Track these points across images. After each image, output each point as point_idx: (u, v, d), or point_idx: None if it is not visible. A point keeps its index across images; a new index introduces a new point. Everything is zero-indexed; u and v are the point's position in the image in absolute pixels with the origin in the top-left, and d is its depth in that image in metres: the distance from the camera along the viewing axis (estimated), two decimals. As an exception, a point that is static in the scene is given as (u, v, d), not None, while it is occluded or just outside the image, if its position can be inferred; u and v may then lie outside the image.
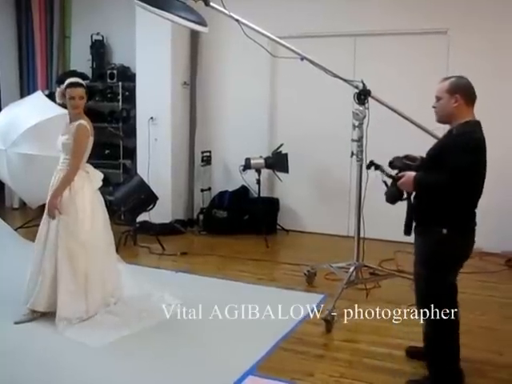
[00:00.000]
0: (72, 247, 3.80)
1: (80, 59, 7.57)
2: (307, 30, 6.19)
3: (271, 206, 6.69)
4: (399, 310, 4.16)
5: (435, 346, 2.98)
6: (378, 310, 4.21)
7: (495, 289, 4.71)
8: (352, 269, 4.31)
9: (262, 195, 6.43)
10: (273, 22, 5.51)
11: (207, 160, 6.90)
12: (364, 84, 4.25)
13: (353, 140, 4.39)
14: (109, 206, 4.27)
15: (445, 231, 2.90)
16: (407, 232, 3.15)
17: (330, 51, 5.87)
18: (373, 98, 4.27)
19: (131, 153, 7.10)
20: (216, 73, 6.91)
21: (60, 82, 4.16)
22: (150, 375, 3.17)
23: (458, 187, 2.81)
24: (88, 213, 3.88)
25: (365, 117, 4.23)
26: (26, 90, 7.83)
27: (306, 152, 6.48)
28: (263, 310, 4.17)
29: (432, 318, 2.98)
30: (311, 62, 4.31)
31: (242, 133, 6.72)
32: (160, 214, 6.35)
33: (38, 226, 4.02)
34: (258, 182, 6.28)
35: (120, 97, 7.06)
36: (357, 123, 4.27)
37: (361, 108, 4.23)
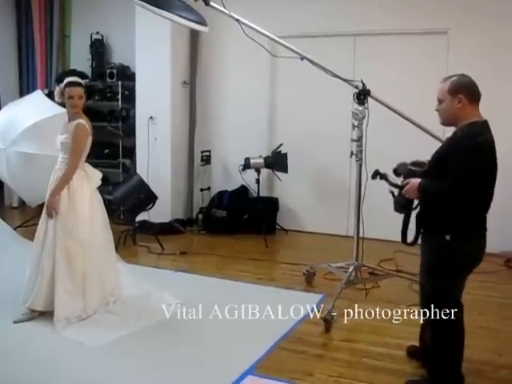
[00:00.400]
0: (70, 247, 3.80)
1: (80, 58, 7.57)
2: (307, 29, 6.18)
3: (271, 205, 6.68)
4: (398, 310, 4.17)
5: (438, 351, 2.93)
6: (377, 309, 4.21)
7: (494, 289, 4.72)
8: (351, 269, 4.31)
9: (261, 195, 6.43)
10: (273, 22, 5.50)
11: (207, 159, 6.90)
12: (364, 84, 4.25)
13: (352, 140, 4.39)
14: (108, 205, 4.26)
15: (448, 238, 2.80)
16: (404, 240, 3.09)
17: (330, 51, 5.87)
18: (372, 97, 4.27)
19: (131, 152, 7.09)
20: (216, 72, 6.91)
21: (59, 81, 4.15)
22: (149, 375, 3.17)
23: (461, 193, 2.71)
24: (86, 212, 3.87)
25: (364, 117, 4.23)
26: (25, 88, 7.83)
27: (306, 152, 6.48)
28: (262, 310, 4.16)
29: (435, 329, 2.95)
30: (311, 61, 4.31)
31: (241, 132, 6.72)
32: (159, 213, 6.35)
33: (37, 225, 4.02)
34: (258, 181, 6.28)
35: (119, 96, 7.06)
36: (356, 123, 4.26)
37: (360, 108, 4.23)
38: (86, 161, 4.02)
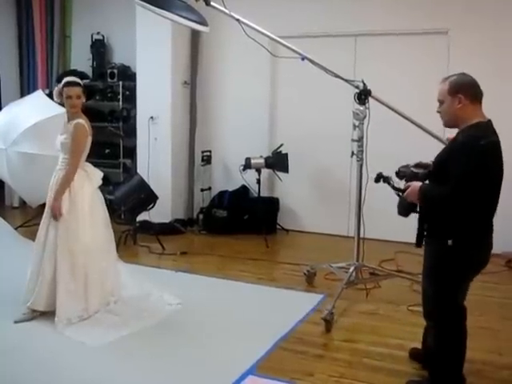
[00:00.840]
0: (71, 247, 3.79)
1: (80, 58, 7.57)
2: (308, 29, 6.19)
3: (271, 205, 6.68)
4: (399, 310, 4.17)
5: (440, 354, 2.92)
6: (377, 310, 4.21)
7: (495, 289, 4.72)
8: (352, 269, 4.31)
9: (262, 195, 6.42)
10: (273, 22, 5.50)
11: (207, 159, 6.90)
12: (364, 84, 4.25)
13: (353, 140, 4.39)
14: (109, 205, 4.26)
15: (450, 242, 2.74)
16: (419, 243, 2.99)
17: (331, 51, 5.86)
18: (373, 97, 4.26)
19: (131, 152, 7.09)
20: (216, 72, 6.91)
21: (60, 81, 4.15)
22: (149, 375, 3.17)
23: (462, 198, 2.65)
24: (88, 212, 3.87)
25: (365, 117, 4.23)
26: (26, 88, 7.83)
27: (307, 152, 6.48)
28: (263, 310, 4.18)
29: (436, 334, 2.94)
30: (312, 61, 4.31)
31: (242, 132, 6.72)
32: (160, 213, 6.35)
33: (37, 224, 4.02)
34: (258, 181, 6.28)
35: (120, 96, 7.06)
36: (357, 123, 4.26)
37: (361, 108, 4.23)
38: (87, 161, 4.01)
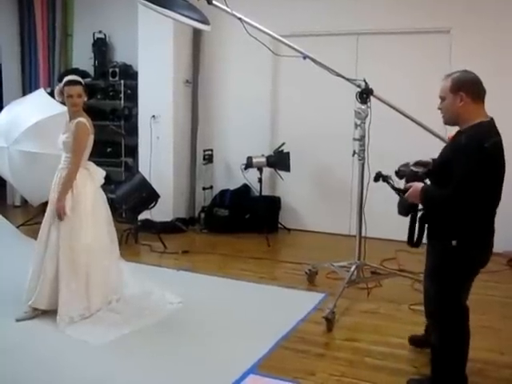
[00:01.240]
0: (74, 246, 3.79)
1: (82, 57, 7.58)
2: (309, 28, 6.18)
3: (273, 204, 6.68)
4: (400, 309, 4.17)
5: (443, 353, 2.92)
6: (379, 309, 4.21)
7: (497, 288, 4.71)
8: (353, 268, 4.31)
9: (263, 194, 6.42)
10: (275, 21, 5.50)
11: (209, 158, 6.90)
12: (366, 83, 4.25)
13: (355, 139, 4.38)
14: (110, 204, 4.26)
15: (454, 243, 2.73)
16: (411, 242, 3.02)
17: (333, 50, 5.86)
18: (375, 96, 4.26)
19: (133, 151, 7.10)
20: (218, 71, 6.91)
21: (62, 80, 4.15)
22: (150, 373, 3.17)
23: (465, 199, 2.64)
24: (90, 212, 3.87)
25: (367, 116, 4.23)
26: (28, 87, 7.84)
27: (308, 151, 6.48)
28: (264, 309, 4.17)
29: (440, 333, 2.93)
30: (314, 60, 4.31)
31: (243, 131, 6.73)
32: (161, 212, 6.36)
33: (39, 223, 4.02)
34: (260, 180, 6.28)
35: (122, 95, 7.06)
36: (359, 122, 4.27)
37: (363, 107, 4.23)
38: (89, 159, 4.02)
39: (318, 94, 6.35)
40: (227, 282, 4.83)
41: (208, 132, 7.00)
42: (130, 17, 6.62)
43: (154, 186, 6.07)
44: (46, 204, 4.00)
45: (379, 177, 3.42)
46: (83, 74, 7.01)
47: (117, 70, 7.03)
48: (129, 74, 7.11)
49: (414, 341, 3.47)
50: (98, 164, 4.17)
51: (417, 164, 3.04)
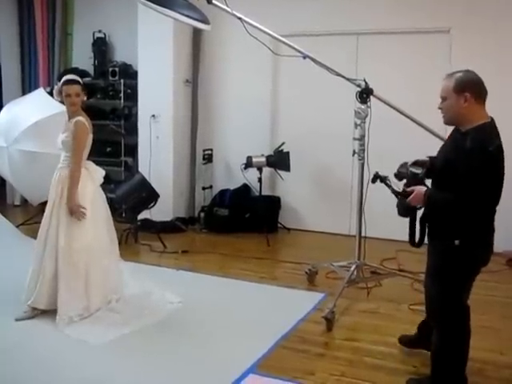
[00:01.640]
0: (73, 245, 3.79)
1: (82, 57, 7.57)
2: (309, 28, 6.18)
3: (273, 204, 6.68)
4: (400, 309, 4.17)
5: (443, 353, 2.92)
6: (378, 308, 4.21)
7: (496, 288, 4.71)
8: (353, 267, 4.31)
9: (263, 193, 6.42)
10: (275, 20, 5.50)
11: (209, 158, 6.90)
12: (366, 83, 4.25)
13: (354, 139, 4.38)
14: (110, 203, 4.26)
15: (457, 242, 2.73)
16: (412, 242, 3.02)
17: (333, 50, 5.86)
18: (375, 96, 4.26)
19: (133, 150, 7.09)
20: (218, 71, 6.91)
21: (61, 79, 4.16)
22: (150, 373, 3.17)
23: (470, 203, 2.64)
24: (89, 211, 3.86)
25: (367, 115, 4.23)
26: (27, 87, 7.83)
27: (308, 150, 6.47)
28: (264, 309, 4.17)
29: (440, 333, 2.93)
30: (314, 60, 4.30)
31: (243, 131, 6.72)
32: (161, 211, 6.35)
33: (39, 223, 4.02)
34: (260, 180, 6.27)
35: (122, 94, 7.05)
36: (359, 122, 4.27)
37: (363, 107, 4.23)
38: (88, 159, 4.01)
39: (317, 93, 6.35)
40: (227, 281, 4.82)
41: (208, 131, 7.00)
42: (130, 16, 6.61)
43: (154, 185, 6.07)
44: (45, 203, 4.00)
45: (377, 178, 3.38)
46: (83, 74, 7.01)
47: (116, 69, 7.02)
48: (128, 73, 7.10)
49: (405, 341, 3.44)
50: (98, 163, 4.17)
51: (415, 164, 3.02)
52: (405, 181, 3.04)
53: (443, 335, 2.91)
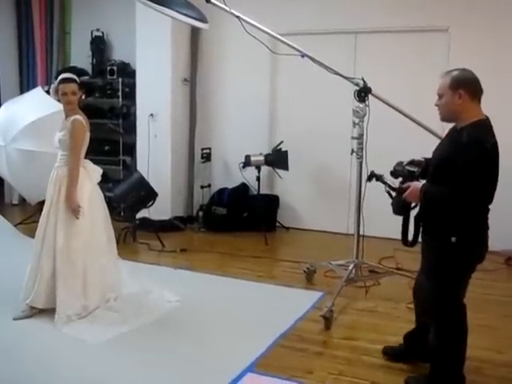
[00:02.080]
0: (71, 244, 3.79)
1: (80, 55, 7.56)
2: (308, 27, 6.17)
3: (271, 203, 6.68)
4: (398, 308, 4.17)
5: (441, 352, 2.92)
6: (377, 307, 4.22)
7: (494, 287, 4.72)
8: (351, 266, 4.31)
9: (261, 192, 6.42)
10: (273, 19, 5.50)
11: (207, 157, 6.90)
12: (364, 81, 4.25)
13: (353, 137, 4.39)
14: (108, 202, 4.26)
15: (453, 239, 2.75)
16: (405, 241, 3.06)
17: (331, 48, 5.86)
18: (373, 95, 4.26)
19: (131, 149, 7.09)
20: (216, 70, 6.90)
21: (59, 78, 4.15)
22: (148, 372, 3.17)
23: (467, 198, 2.66)
24: (87, 209, 3.86)
25: (365, 114, 4.23)
26: (25, 85, 7.82)
27: (306, 149, 6.47)
28: (262, 308, 4.18)
29: (438, 330, 2.94)
30: (312, 59, 4.30)
31: (242, 130, 6.72)
32: (159, 210, 6.35)
33: (37, 222, 4.01)
34: (258, 179, 6.28)
35: (120, 93, 7.05)
36: (357, 121, 4.27)
37: (361, 105, 4.23)
38: (86, 157, 4.01)
39: (316, 92, 6.35)
40: (225, 280, 4.82)
41: (206, 130, 7.00)
42: (128, 15, 6.61)
43: (152, 184, 6.07)
44: (43, 202, 3.99)
45: (372, 176, 3.43)
46: (81, 72, 7.02)
47: (115, 68, 7.01)
48: (127, 72, 7.09)
49: (390, 353, 3.39)
50: (96, 162, 4.16)
51: (411, 163, 3.07)
52: (400, 179, 3.07)
53: (440, 333, 2.92)
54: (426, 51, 5.90)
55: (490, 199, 2.76)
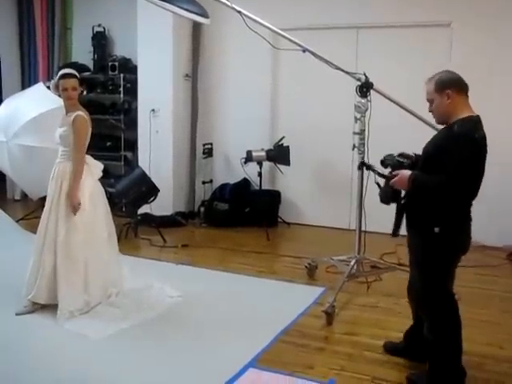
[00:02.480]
0: (72, 240, 3.79)
1: (81, 51, 7.56)
2: (309, 22, 6.16)
3: (272, 198, 6.68)
4: (400, 303, 4.17)
5: (437, 344, 2.93)
6: (378, 303, 4.22)
7: (496, 283, 4.71)
8: (353, 262, 4.31)
9: (263, 188, 6.42)
10: (275, 14, 5.47)
11: (209, 152, 6.89)
12: (366, 76, 4.24)
13: (354, 133, 4.38)
14: (110, 198, 4.26)
15: (437, 230, 2.81)
16: (395, 233, 3.12)
17: (332, 43, 5.85)
18: (375, 90, 4.25)
19: (132, 145, 7.09)
20: (218, 65, 6.89)
21: (60, 73, 4.15)
22: (150, 367, 3.18)
23: (456, 189, 2.72)
24: (88, 205, 3.86)
25: (367, 109, 4.22)
26: (27, 81, 7.83)
27: (308, 145, 6.47)
28: (264, 303, 4.18)
29: (431, 323, 2.95)
30: (313, 54, 4.29)
31: (243, 125, 6.72)
32: (161, 206, 6.36)
33: (39, 217, 4.01)
34: (260, 174, 6.27)
35: (121, 89, 7.04)
36: (359, 116, 4.26)
37: (363, 101, 4.22)
38: (88, 153, 4.00)
39: (317, 87, 6.34)
40: (227, 275, 4.83)
41: (208, 126, 6.99)
42: (130, 10, 6.60)
43: (154, 179, 6.07)
44: (45, 198, 3.99)
45: (363, 165, 3.55)
46: (82, 68, 7.02)
47: (116, 63, 7.01)
48: (128, 67, 7.09)
49: (390, 348, 3.41)
50: (98, 158, 4.17)
51: (401, 155, 3.14)
52: (390, 170, 3.14)
53: (433, 325, 2.94)
54: (428, 46, 5.88)
55: (475, 192, 2.80)
